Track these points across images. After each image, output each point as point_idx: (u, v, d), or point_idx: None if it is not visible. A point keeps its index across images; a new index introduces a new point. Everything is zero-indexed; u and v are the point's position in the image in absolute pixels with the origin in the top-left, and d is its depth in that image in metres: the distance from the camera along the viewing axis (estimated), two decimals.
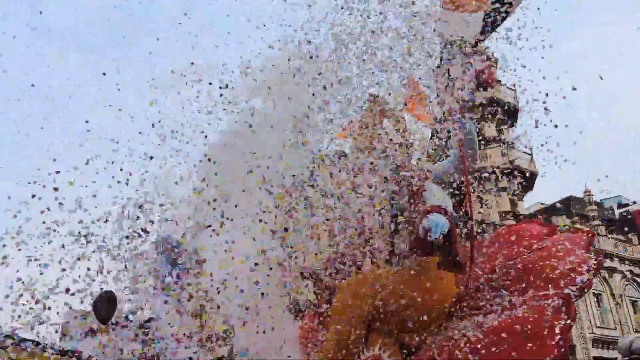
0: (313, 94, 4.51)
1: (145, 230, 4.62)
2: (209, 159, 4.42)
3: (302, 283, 5.08)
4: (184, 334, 4.34)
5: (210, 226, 4.28)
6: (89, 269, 4.32)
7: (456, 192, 4.52)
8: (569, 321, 3.47)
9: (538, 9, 4.65)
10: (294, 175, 4.39)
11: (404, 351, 3.94)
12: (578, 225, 23.63)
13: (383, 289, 3.94)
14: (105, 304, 4.47)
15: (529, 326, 3.44)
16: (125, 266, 4.58)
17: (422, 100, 5.33)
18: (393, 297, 3.88)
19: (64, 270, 4.22)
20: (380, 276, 4.10)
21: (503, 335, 3.49)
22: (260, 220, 4.11)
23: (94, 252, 4.38)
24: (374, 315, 3.93)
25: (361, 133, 4.90)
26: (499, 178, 25.64)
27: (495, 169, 25.60)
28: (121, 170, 4.49)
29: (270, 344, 3.77)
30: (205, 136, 4.65)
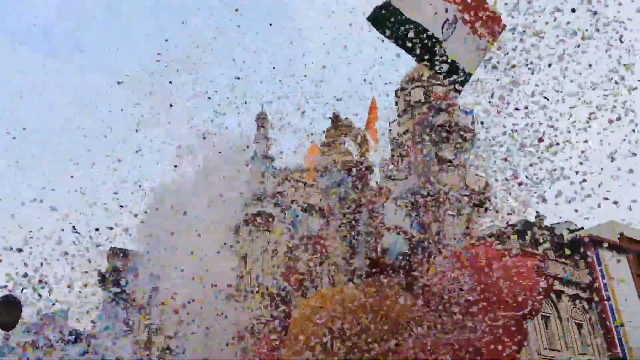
0: None
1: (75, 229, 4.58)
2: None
3: (258, 301, 5.04)
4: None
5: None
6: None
7: (414, 212, 4.61)
8: (519, 342, 3.57)
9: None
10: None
11: None
12: (530, 249, 24.30)
13: (341, 307, 3.97)
14: (6, 309, 4.26)
15: (481, 346, 3.52)
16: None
17: (374, 121, 5.44)
18: (350, 315, 3.91)
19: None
20: (338, 294, 4.13)
21: (456, 354, 3.56)
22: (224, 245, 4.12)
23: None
24: (332, 332, 3.94)
25: (324, 152, 4.94)
26: (457, 200, 26.13)
27: (451, 191, 26.13)
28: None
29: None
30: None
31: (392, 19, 4.87)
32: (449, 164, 28.01)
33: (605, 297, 27.27)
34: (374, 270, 4.24)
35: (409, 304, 4.08)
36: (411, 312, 4.00)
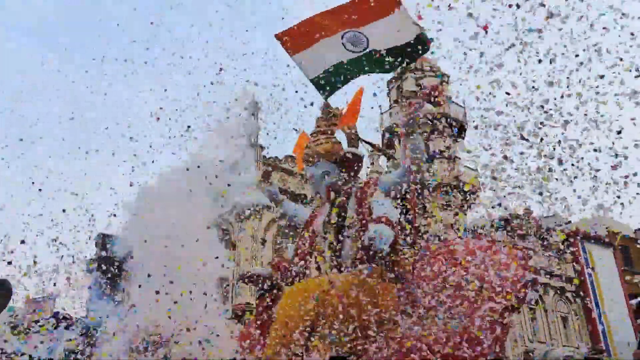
0: None
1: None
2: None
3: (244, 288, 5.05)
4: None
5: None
6: None
7: (402, 204, 4.62)
8: (503, 334, 3.60)
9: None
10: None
11: (344, 359, 3.97)
12: (516, 242, 24.48)
13: (326, 296, 3.98)
14: None
15: (466, 338, 3.55)
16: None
17: (355, 110, 5.42)
18: (336, 304, 3.92)
19: None
20: (324, 283, 4.13)
21: (440, 346, 3.59)
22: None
23: None
24: (316, 321, 3.95)
25: (314, 141, 4.93)
26: (447, 192, 26.30)
27: (440, 183, 26.27)
28: None
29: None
30: None
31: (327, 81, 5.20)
32: (439, 155, 28.19)
33: (591, 291, 27.62)
34: (360, 260, 4.25)
35: (393, 294, 4.09)
36: (394, 301, 4.01)
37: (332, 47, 5.17)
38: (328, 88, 5.28)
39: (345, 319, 3.89)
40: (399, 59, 5.09)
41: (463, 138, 29.08)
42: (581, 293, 27.82)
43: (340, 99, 5.41)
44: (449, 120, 27.64)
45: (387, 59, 5.09)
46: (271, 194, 5.20)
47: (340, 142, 4.97)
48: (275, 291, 4.81)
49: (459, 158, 28.87)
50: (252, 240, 20.84)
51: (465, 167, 27.92)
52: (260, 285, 4.94)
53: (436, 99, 4.45)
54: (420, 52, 5.12)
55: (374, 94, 5.73)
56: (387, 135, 28.04)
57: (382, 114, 29.50)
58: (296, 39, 5.24)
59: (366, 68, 5.19)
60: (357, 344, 3.93)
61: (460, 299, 3.93)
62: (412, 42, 5.04)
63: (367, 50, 5.12)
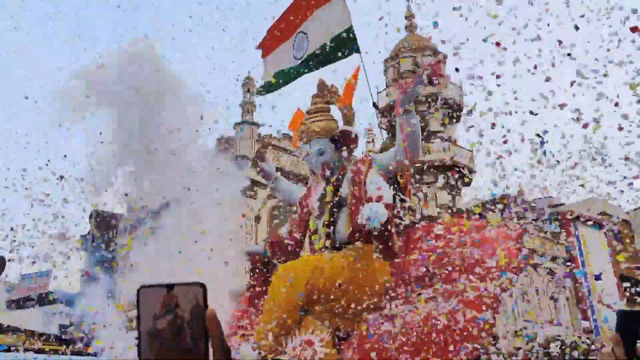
0: None
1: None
2: None
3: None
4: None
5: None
6: None
7: (397, 183, 4.61)
8: (494, 313, 3.63)
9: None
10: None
11: (336, 336, 4.00)
12: (509, 222, 24.60)
13: (320, 273, 3.99)
14: None
15: (456, 317, 3.58)
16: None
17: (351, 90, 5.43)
18: (329, 282, 3.94)
19: None
20: (318, 261, 4.14)
21: (430, 324, 3.61)
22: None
23: None
24: (309, 298, 3.97)
25: (310, 119, 4.90)
26: (442, 172, 26.34)
27: (436, 163, 26.30)
28: None
29: None
30: None
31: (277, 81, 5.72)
32: (435, 135, 28.13)
33: (583, 272, 27.91)
34: (354, 238, 4.25)
35: (387, 272, 4.10)
36: (383, 281, 4.03)
37: (286, 54, 5.71)
38: (271, 87, 5.83)
39: (338, 297, 3.91)
40: (333, 54, 5.47)
41: (459, 118, 29.04)
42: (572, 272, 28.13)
43: (336, 77, 5.37)
44: (445, 99, 27.56)
45: (321, 58, 5.53)
46: (265, 172, 5.19)
47: (336, 120, 4.94)
48: (269, 268, 4.82)
49: (455, 138, 28.84)
50: (247, 218, 20.87)
51: (460, 148, 27.93)
52: (254, 263, 4.95)
53: (434, 78, 4.40)
54: (346, 51, 5.45)
55: (374, 105, 5.88)
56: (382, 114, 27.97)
57: (378, 93, 29.36)
58: (266, 45, 5.84)
59: (305, 70, 5.65)
60: (350, 321, 3.96)
61: (454, 278, 3.95)
62: (344, 35, 5.38)
63: (306, 53, 5.57)
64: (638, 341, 1.14)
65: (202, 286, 0.95)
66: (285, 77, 5.76)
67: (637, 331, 1.16)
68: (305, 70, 5.65)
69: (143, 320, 0.92)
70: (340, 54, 5.46)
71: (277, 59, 5.81)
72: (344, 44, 5.40)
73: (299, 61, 5.65)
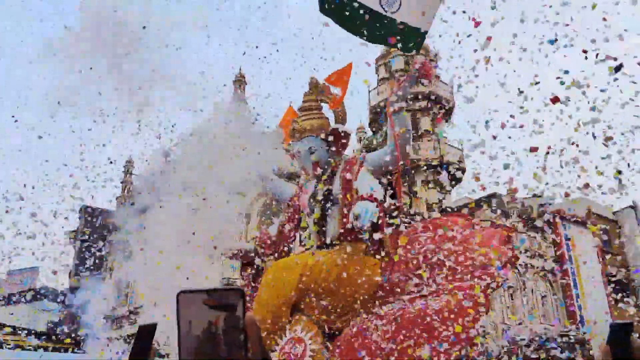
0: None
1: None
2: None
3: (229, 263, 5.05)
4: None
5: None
6: None
7: (387, 181, 4.63)
8: (483, 311, 3.66)
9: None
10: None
11: (326, 334, 4.02)
12: (499, 221, 24.77)
13: (310, 271, 4.00)
14: None
15: (446, 314, 3.60)
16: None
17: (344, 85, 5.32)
18: (319, 279, 3.94)
19: None
20: (309, 259, 4.15)
21: (419, 321, 3.64)
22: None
23: None
24: (300, 296, 3.98)
25: (301, 116, 4.90)
26: (435, 171, 26.43)
27: (426, 162, 26.38)
28: None
29: None
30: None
31: (336, 5, 4.66)
32: (426, 134, 28.22)
33: (570, 271, 28.15)
34: (345, 236, 4.26)
35: (377, 270, 4.12)
36: (374, 279, 4.05)
37: None
38: (333, 13, 4.85)
39: (328, 294, 3.92)
40: (402, 43, 4.79)
41: (450, 117, 29.14)
42: (560, 272, 28.36)
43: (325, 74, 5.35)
44: (436, 98, 27.65)
45: (401, 39, 4.79)
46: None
47: (327, 118, 4.94)
48: (259, 266, 4.82)
49: (445, 137, 28.93)
50: (238, 216, 20.80)
51: (450, 146, 28.04)
52: (244, 261, 4.95)
53: (425, 77, 4.42)
54: (412, 47, 4.83)
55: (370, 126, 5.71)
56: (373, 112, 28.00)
57: (370, 91, 29.39)
58: None
59: (381, 33, 4.82)
60: (340, 319, 3.97)
61: (444, 276, 3.98)
62: (419, 37, 4.81)
63: (391, 14, 4.80)
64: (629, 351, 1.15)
65: (241, 291, 0.96)
66: (358, 19, 4.77)
67: (628, 343, 1.17)
68: (382, 39, 4.87)
69: (183, 324, 0.93)
70: (402, 44, 4.82)
71: None
72: (415, 44, 4.85)
73: (385, 12, 4.82)
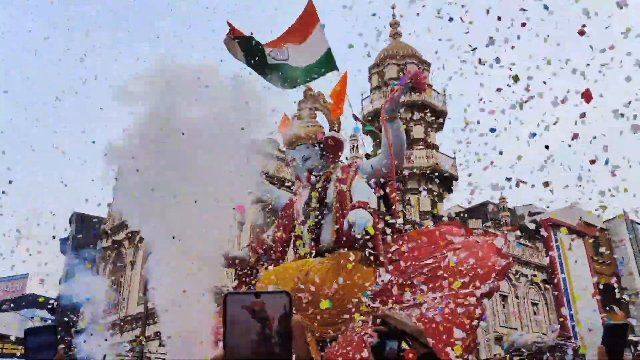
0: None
1: None
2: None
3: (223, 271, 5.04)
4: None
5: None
6: None
7: (382, 189, 4.64)
8: (477, 319, 3.67)
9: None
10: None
11: (319, 343, 4.01)
12: (491, 230, 24.86)
13: (304, 279, 3.99)
14: None
15: (440, 322, 3.61)
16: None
17: (342, 95, 5.42)
18: (314, 287, 3.94)
19: None
20: (303, 266, 4.15)
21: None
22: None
23: None
24: (294, 304, 3.97)
25: (295, 124, 4.91)
26: (425, 179, 26.51)
27: (419, 170, 26.46)
28: None
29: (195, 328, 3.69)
30: None
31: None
32: (419, 142, 28.32)
33: (561, 279, 28.25)
34: (339, 244, 4.27)
35: (371, 278, 4.12)
36: (368, 287, 4.05)
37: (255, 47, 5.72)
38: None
39: (321, 302, 3.92)
40: (310, 76, 5.71)
41: (442, 125, 29.28)
42: (551, 280, 28.47)
43: (321, 83, 5.40)
44: (429, 107, 27.79)
45: (298, 74, 5.70)
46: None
47: (322, 126, 4.96)
48: (252, 274, 4.81)
49: (437, 145, 29.07)
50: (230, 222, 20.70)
51: (443, 155, 28.15)
52: (238, 268, 4.93)
53: (418, 86, 4.45)
54: (325, 69, 5.75)
55: (354, 117, 6.00)
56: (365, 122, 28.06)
57: (363, 100, 29.49)
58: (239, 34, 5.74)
59: (277, 75, 5.68)
60: (334, 326, 3.97)
61: (438, 284, 3.98)
62: (321, 59, 5.75)
63: (286, 62, 5.74)
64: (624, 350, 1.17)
65: (288, 294, 0.98)
66: (256, 62, 5.69)
67: (622, 343, 1.19)
68: (284, 84, 5.67)
69: (230, 325, 0.95)
70: (321, 72, 5.77)
71: (249, 46, 5.77)
72: (324, 65, 5.76)
73: (277, 61, 5.75)
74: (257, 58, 5.61)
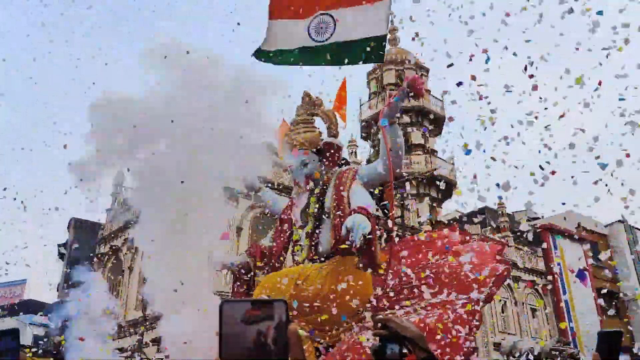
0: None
1: None
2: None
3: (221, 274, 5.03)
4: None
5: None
6: None
7: (380, 195, 4.64)
8: (476, 325, 3.66)
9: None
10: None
11: (317, 350, 3.99)
12: (490, 235, 24.85)
13: (303, 284, 3.98)
14: None
15: (438, 329, 3.59)
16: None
17: (343, 101, 5.40)
18: (312, 293, 3.93)
19: None
20: (301, 272, 4.14)
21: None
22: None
23: None
24: (292, 310, 3.95)
25: (294, 130, 4.91)
26: (424, 185, 26.54)
27: (417, 176, 26.49)
28: None
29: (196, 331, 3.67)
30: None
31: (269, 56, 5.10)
32: (418, 148, 28.36)
33: (560, 285, 28.24)
34: (338, 250, 4.26)
35: (369, 284, 4.11)
36: (366, 293, 4.04)
37: (299, 31, 5.05)
38: (273, 58, 5.18)
39: (321, 308, 3.90)
40: (354, 56, 4.96)
41: (441, 131, 29.34)
42: (550, 286, 28.44)
43: (318, 88, 5.38)
44: (427, 112, 27.84)
45: (343, 55, 4.96)
46: (248, 182, 5.17)
47: (320, 132, 4.96)
48: (250, 279, 4.80)
49: (436, 151, 29.11)
50: (228, 228, 20.73)
51: (441, 160, 28.18)
52: (235, 274, 4.92)
53: (417, 92, 4.45)
54: (374, 57, 4.98)
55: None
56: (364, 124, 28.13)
57: (361, 105, 29.56)
58: (278, 6, 5.14)
59: (318, 59, 5.07)
60: (333, 333, 3.95)
61: (436, 290, 3.98)
62: (372, 42, 4.89)
63: (327, 42, 5.01)
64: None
65: (284, 302, 0.98)
66: (292, 57, 5.08)
67: (616, 350, 1.19)
68: (323, 63, 5.04)
69: (226, 333, 0.95)
70: (363, 57, 4.97)
71: (286, 32, 5.11)
72: (371, 50, 4.93)
73: (316, 43, 5.01)
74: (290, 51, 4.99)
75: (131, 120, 3.79)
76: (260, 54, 5.21)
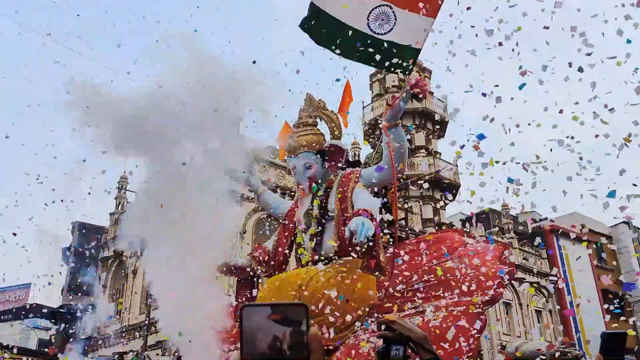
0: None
1: None
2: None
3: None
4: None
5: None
6: None
7: (383, 197, 4.63)
8: (480, 327, 3.65)
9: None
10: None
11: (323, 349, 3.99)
12: (494, 237, 24.78)
13: (306, 286, 3.98)
14: None
15: (442, 330, 3.59)
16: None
17: (349, 102, 5.39)
18: (315, 295, 3.93)
19: None
20: (305, 274, 4.14)
21: None
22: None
23: None
24: None
25: (297, 132, 4.91)
26: (427, 187, 26.49)
27: (421, 178, 26.44)
28: None
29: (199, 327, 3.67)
30: None
31: (321, 24, 4.76)
32: (421, 150, 28.32)
33: (565, 286, 28.12)
34: (341, 252, 4.26)
35: (373, 286, 4.11)
36: (370, 295, 4.03)
37: (359, 9, 4.76)
38: (322, 39, 4.86)
39: (325, 310, 3.90)
40: (392, 63, 4.78)
41: (444, 133, 29.30)
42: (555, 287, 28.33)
43: (321, 92, 5.37)
44: (430, 114, 27.82)
45: (391, 56, 4.76)
46: (252, 185, 5.18)
47: (323, 134, 4.96)
48: (254, 282, 4.80)
49: (439, 153, 29.07)
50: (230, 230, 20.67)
51: (444, 162, 28.13)
52: (239, 277, 4.92)
53: (420, 93, 4.45)
54: (405, 68, 4.81)
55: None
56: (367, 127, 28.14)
57: (364, 107, 29.56)
58: None
59: (359, 54, 4.83)
60: (337, 334, 3.95)
61: (441, 292, 3.97)
62: (412, 52, 4.77)
63: (384, 36, 4.75)
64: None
65: (305, 306, 0.97)
66: (337, 41, 4.75)
67: (620, 352, 1.19)
68: (366, 60, 4.80)
69: (246, 338, 0.94)
70: (394, 63, 4.76)
71: (342, 12, 4.74)
72: (403, 58, 4.76)
73: (373, 33, 4.73)
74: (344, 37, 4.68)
75: (131, 120, 3.81)
76: (307, 22, 4.88)
